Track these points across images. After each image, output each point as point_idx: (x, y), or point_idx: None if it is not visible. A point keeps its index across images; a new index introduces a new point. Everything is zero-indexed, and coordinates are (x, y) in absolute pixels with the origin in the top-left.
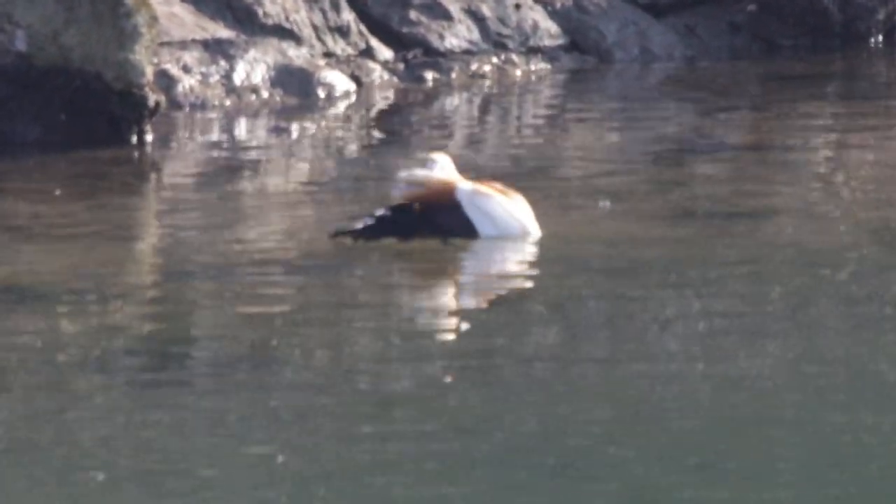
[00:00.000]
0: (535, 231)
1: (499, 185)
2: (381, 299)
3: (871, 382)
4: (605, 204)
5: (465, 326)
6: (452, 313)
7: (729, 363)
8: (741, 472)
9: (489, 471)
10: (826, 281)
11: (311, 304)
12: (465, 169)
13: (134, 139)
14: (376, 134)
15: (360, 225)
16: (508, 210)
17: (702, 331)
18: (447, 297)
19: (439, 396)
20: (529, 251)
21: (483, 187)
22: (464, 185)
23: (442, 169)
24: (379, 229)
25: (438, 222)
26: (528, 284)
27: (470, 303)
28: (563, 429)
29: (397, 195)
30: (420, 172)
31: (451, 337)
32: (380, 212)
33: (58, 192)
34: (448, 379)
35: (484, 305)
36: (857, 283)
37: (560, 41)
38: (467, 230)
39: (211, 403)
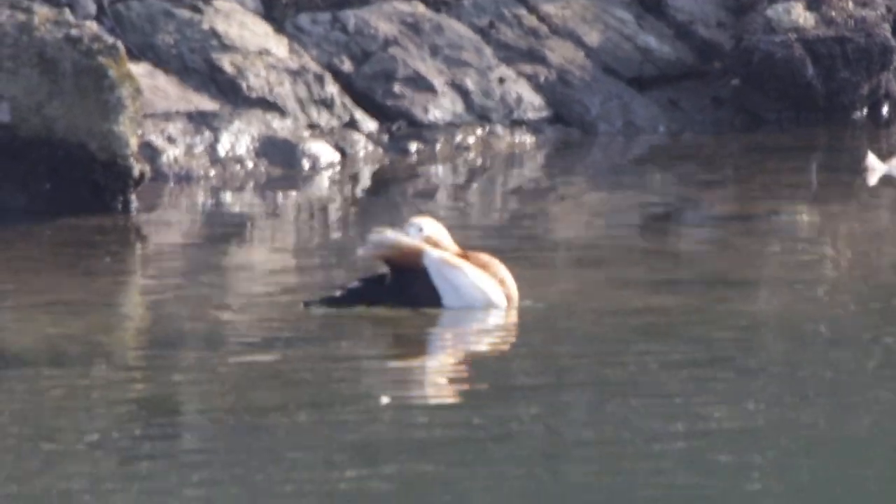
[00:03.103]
0: (501, 304)
1: (484, 256)
2: (362, 367)
3: (858, 454)
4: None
5: (446, 396)
6: (433, 382)
7: (712, 436)
8: None
9: None
10: (810, 350)
11: (292, 373)
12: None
13: (119, 208)
14: (360, 205)
15: (331, 295)
16: (474, 282)
17: (685, 402)
18: (426, 365)
19: (425, 464)
20: (512, 320)
21: (451, 256)
22: (432, 252)
23: (430, 233)
24: (349, 298)
25: (405, 291)
26: (509, 353)
27: (449, 371)
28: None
29: (365, 255)
30: (390, 236)
31: (433, 407)
32: (352, 283)
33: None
34: (433, 449)
35: (462, 374)
36: (842, 352)
37: (544, 114)
38: (432, 299)
39: (195, 473)
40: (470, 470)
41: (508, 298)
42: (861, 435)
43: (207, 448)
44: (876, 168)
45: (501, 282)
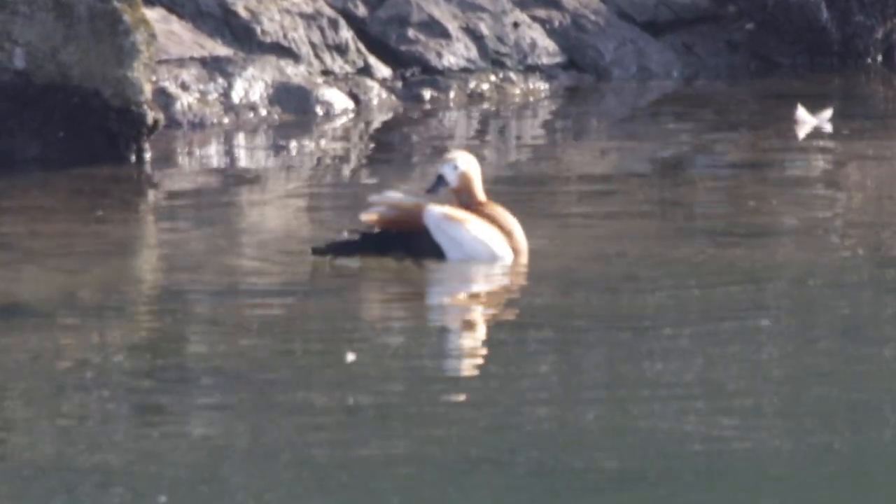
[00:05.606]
0: (507, 257)
1: (496, 207)
2: (367, 317)
3: (868, 403)
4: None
5: (457, 345)
6: (445, 332)
7: (725, 384)
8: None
9: (488, 492)
10: (823, 301)
11: (302, 321)
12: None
13: (132, 156)
14: (374, 153)
15: (339, 242)
16: (477, 235)
17: (697, 351)
18: (438, 314)
19: (440, 416)
20: (524, 269)
21: (453, 211)
22: (433, 209)
23: (465, 169)
24: (357, 247)
25: (411, 244)
26: (521, 301)
27: (460, 321)
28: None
29: (367, 218)
30: (391, 196)
31: (446, 356)
32: (359, 232)
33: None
34: (448, 398)
35: (477, 323)
36: (855, 303)
37: (558, 59)
38: (436, 254)
39: (208, 421)
40: (485, 416)
41: (516, 251)
42: (874, 384)
43: (219, 395)
44: (805, 121)
45: (509, 234)
